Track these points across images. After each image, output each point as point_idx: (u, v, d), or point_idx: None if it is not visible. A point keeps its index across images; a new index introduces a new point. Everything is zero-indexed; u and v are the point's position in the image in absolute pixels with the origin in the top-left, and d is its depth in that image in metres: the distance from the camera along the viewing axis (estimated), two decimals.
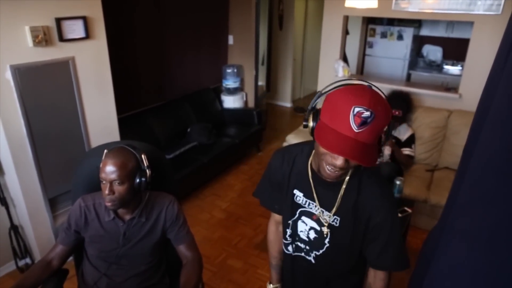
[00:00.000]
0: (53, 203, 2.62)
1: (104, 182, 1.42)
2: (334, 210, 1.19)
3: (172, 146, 3.76)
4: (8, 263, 2.66)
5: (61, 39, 2.36)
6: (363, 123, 0.91)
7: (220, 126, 4.47)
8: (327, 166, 1.04)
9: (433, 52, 5.96)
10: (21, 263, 2.68)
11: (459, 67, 5.58)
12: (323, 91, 1.10)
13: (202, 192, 3.81)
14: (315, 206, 1.22)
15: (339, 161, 0.98)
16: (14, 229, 2.57)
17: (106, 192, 1.41)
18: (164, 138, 3.83)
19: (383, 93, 1.04)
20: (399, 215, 2.61)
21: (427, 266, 1.04)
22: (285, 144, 3.73)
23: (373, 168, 1.21)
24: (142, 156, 1.49)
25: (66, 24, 2.37)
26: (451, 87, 3.93)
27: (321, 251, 1.28)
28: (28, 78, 2.26)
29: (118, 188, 1.42)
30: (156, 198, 1.60)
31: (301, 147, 1.26)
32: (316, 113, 1.06)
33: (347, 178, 1.15)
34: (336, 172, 1.04)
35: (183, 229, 1.62)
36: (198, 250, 1.66)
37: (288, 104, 6.64)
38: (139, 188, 1.47)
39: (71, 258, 1.67)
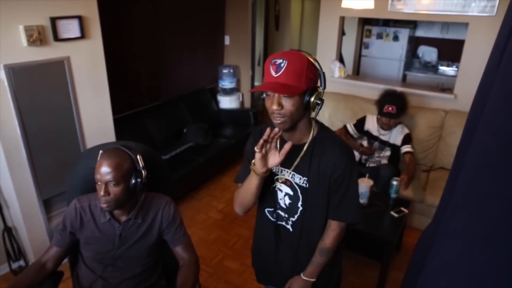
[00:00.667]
0: (47, 205, 2.59)
1: (99, 183, 1.40)
2: (295, 167, 1.33)
3: (168, 147, 3.74)
4: (1, 266, 2.63)
5: (56, 38, 2.34)
6: (278, 68, 1.16)
7: (216, 126, 4.45)
8: (272, 117, 1.23)
9: (428, 53, 5.99)
10: (15, 265, 2.65)
11: (454, 68, 5.62)
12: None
13: (199, 193, 3.80)
14: (287, 172, 1.36)
15: (274, 105, 1.18)
16: (8, 231, 2.54)
17: (101, 193, 1.39)
18: (160, 138, 3.81)
19: (309, 55, 1.23)
20: (395, 215, 2.62)
21: (421, 264, 1.04)
22: None
23: (332, 135, 1.36)
24: (138, 156, 1.48)
25: (61, 24, 2.35)
26: (446, 87, 3.95)
27: (296, 216, 1.40)
28: (22, 78, 2.23)
29: (113, 189, 1.40)
30: (153, 199, 1.59)
31: (268, 125, 1.38)
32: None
33: (307, 142, 1.31)
34: (279, 118, 1.21)
35: (179, 231, 1.61)
36: (195, 251, 1.65)
37: None
38: (135, 189, 1.46)
39: (66, 260, 1.65)
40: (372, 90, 3.75)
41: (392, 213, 2.64)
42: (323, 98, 1.25)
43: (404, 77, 5.83)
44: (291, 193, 1.39)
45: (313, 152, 1.31)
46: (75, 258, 1.65)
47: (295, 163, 1.33)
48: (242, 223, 3.33)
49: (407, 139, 3.17)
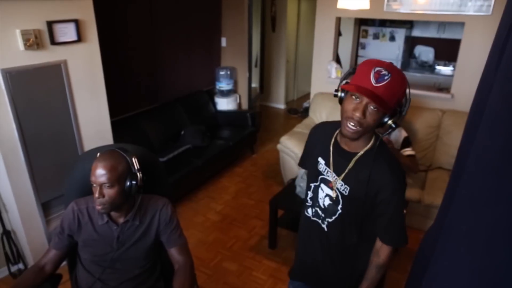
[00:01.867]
0: (46, 208, 2.59)
1: (94, 185, 1.41)
2: (342, 176, 1.32)
3: (165, 149, 3.75)
4: (0, 269, 2.63)
5: (53, 42, 2.34)
6: (381, 79, 1.12)
7: (214, 128, 4.46)
8: (347, 122, 1.20)
9: (425, 53, 6.02)
10: (14, 268, 2.65)
11: (451, 68, 5.64)
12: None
13: (197, 195, 3.80)
14: (332, 174, 1.36)
15: (358, 112, 1.15)
16: (7, 234, 2.54)
17: (96, 195, 1.40)
18: (157, 141, 3.81)
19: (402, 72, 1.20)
20: None
21: (424, 267, 1.04)
22: (279, 146, 3.73)
23: (387, 152, 1.33)
24: (133, 159, 1.49)
25: (57, 27, 2.35)
26: (443, 87, 3.97)
27: (333, 218, 1.40)
28: (19, 82, 2.24)
29: (108, 192, 1.41)
30: (150, 201, 1.59)
31: (333, 123, 1.41)
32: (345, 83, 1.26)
33: (361, 152, 1.29)
34: (354, 126, 1.18)
35: (175, 232, 1.61)
36: (190, 255, 1.65)
37: (281, 105, 6.65)
38: (130, 192, 1.46)
39: (64, 263, 1.65)
40: None
41: None
42: (398, 123, 1.22)
43: None
44: (333, 195, 1.38)
45: (363, 164, 1.28)
46: (74, 260, 1.66)
47: (345, 170, 1.32)
48: (241, 224, 3.33)
49: (406, 143, 3.10)
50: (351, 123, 1.18)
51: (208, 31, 4.56)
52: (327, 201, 1.40)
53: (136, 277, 1.59)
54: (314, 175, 1.44)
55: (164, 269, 1.74)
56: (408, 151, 3.06)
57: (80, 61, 2.55)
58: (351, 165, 1.30)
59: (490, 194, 0.76)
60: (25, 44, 2.20)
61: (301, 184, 2.85)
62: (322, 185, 1.41)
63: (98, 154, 1.46)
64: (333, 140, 1.38)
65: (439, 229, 1.02)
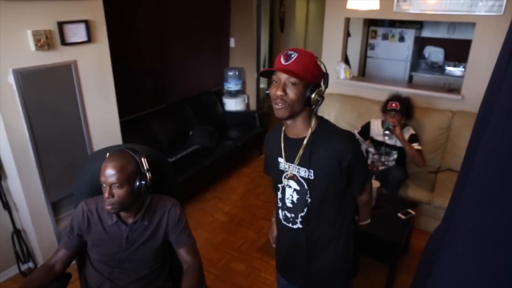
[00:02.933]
0: (55, 207, 2.61)
1: (104, 185, 1.42)
2: (298, 160, 1.40)
3: (174, 149, 3.76)
4: (10, 267, 2.66)
5: (63, 42, 2.36)
6: (289, 58, 1.26)
7: (222, 129, 4.46)
8: (274, 104, 1.31)
9: (434, 54, 5.96)
10: (24, 267, 2.68)
11: (461, 68, 5.58)
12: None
13: (205, 195, 3.80)
14: (293, 167, 1.43)
15: (278, 90, 1.26)
16: (17, 233, 2.57)
17: (106, 195, 1.41)
18: (166, 141, 3.83)
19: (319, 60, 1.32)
20: (402, 217, 2.60)
21: (430, 266, 1.03)
22: None
23: (331, 125, 1.43)
24: (142, 159, 1.49)
25: (68, 28, 2.37)
26: (453, 88, 3.92)
27: (305, 210, 1.45)
28: (30, 82, 2.26)
29: (118, 192, 1.41)
30: (159, 202, 1.59)
31: (281, 126, 1.50)
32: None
33: (307, 135, 1.37)
34: (280, 104, 1.28)
35: (184, 232, 1.61)
36: (198, 255, 1.65)
37: None
38: (139, 192, 1.47)
39: (74, 262, 1.66)
40: (378, 91, 3.74)
41: (399, 215, 2.62)
42: (323, 96, 1.33)
43: (410, 78, 5.79)
44: (298, 188, 1.45)
45: (313, 144, 1.37)
46: (83, 260, 1.66)
47: (298, 156, 1.40)
48: (249, 225, 3.33)
49: (413, 139, 3.10)
50: (278, 102, 1.29)
51: (217, 31, 4.57)
52: (295, 196, 1.46)
53: (144, 277, 1.59)
54: (279, 176, 1.50)
55: (172, 270, 1.74)
56: (415, 146, 3.06)
57: (90, 61, 2.57)
58: (302, 147, 1.38)
59: (498, 191, 0.76)
60: (36, 45, 2.22)
61: None
62: (290, 182, 1.47)
63: (108, 154, 1.47)
64: (282, 135, 1.46)
65: (446, 228, 1.02)
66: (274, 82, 1.30)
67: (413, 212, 2.66)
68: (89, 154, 2.66)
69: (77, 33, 2.43)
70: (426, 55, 6.03)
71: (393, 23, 5.72)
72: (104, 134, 2.80)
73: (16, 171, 2.33)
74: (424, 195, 3.05)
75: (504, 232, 0.74)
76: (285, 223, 1.55)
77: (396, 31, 5.65)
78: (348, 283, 1.64)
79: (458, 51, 5.63)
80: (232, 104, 4.73)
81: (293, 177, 1.45)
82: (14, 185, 2.44)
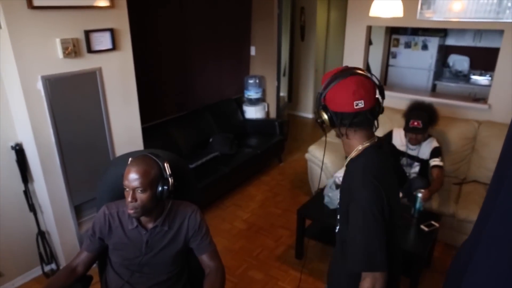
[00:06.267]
0: (78, 210, 2.67)
1: (127, 189, 1.43)
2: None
3: (194, 156, 3.79)
4: (34, 268, 2.72)
5: (89, 50, 2.43)
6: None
7: (242, 136, 4.48)
8: None
9: (459, 62, 5.82)
10: (47, 268, 2.74)
11: (487, 77, 5.43)
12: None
13: (224, 202, 3.81)
14: None
15: None
16: (41, 234, 2.63)
17: (129, 199, 1.42)
18: (186, 148, 3.87)
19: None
20: (425, 229, 2.53)
21: (459, 279, 1.00)
22: (307, 155, 3.70)
23: (363, 159, 1.26)
24: (165, 164, 1.50)
25: (94, 36, 2.44)
26: (479, 97, 3.82)
27: (337, 228, 1.41)
28: (57, 88, 2.33)
29: (141, 196, 1.43)
30: (179, 207, 1.60)
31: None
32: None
33: (350, 157, 1.29)
34: None
35: (205, 239, 1.62)
36: (220, 260, 1.65)
37: (309, 115, 6.61)
38: (161, 196, 1.48)
39: (95, 264, 1.68)
40: (400, 100, 3.67)
41: (422, 226, 2.55)
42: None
43: (434, 87, 5.68)
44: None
45: (347, 173, 1.30)
46: (104, 263, 1.69)
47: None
48: (267, 233, 3.30)
49: (435, 152, 2.98)
50: None
51: (238, 39, 4.61)
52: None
53: (163, 282, 1.60)
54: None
55: (191, 275, 1.74)
56: (436, 161, 2.97)
57: (114, 68, 2.64)
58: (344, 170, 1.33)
59: None
60: (63, 52, 2.29)
61: (329, 194, 2.80)
62: None
63: (130, 159, 1.49)
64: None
65: (477, 239, 0.98)
66: None
67: (436, 224, 2.58)
68: (111, 159, 2.71)
69: (102, 41, 2.50)
70: (451, 64, 5.90)
71: (416, 31, 5.63)
72: (126, 140, 2.85)
73: (42, 174, 2.40)
74: (448, 207, 2.96)
75: None
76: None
77: (419, 39, 5.56)
78: None
79: (484, 59, 5.49)
80: (252, 112, 4.74)
81: None
82: (40, 188, 2.51)
